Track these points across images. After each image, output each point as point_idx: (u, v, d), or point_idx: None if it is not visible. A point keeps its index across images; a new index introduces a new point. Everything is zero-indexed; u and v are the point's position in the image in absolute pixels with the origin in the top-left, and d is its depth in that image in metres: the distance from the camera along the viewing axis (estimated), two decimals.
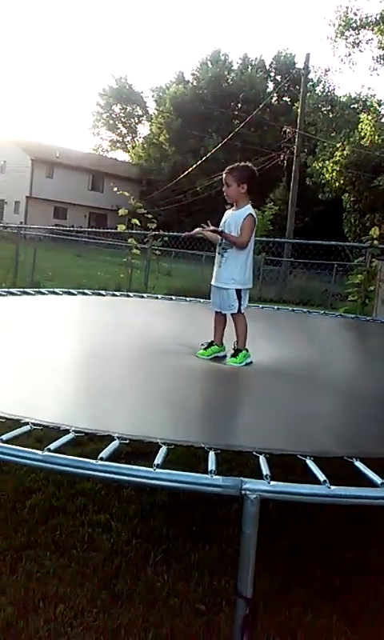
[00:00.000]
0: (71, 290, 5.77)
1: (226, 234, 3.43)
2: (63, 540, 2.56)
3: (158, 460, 1.58)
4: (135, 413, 2.15)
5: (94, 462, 1.54)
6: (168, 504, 2.98)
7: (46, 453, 1.58)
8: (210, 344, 3.52)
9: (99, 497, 2.99)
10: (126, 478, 1.54)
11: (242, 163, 3.56)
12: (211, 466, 1.59)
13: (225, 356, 3.49)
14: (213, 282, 3.58)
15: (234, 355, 3.41)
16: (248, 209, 3.47)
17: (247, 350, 3.43)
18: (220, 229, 3.52)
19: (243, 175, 3.47)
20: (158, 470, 1.53)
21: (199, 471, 1.59)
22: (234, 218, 3.47)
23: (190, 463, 2.69)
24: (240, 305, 3.48)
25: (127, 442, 1.72)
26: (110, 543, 2.57)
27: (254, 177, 3.52)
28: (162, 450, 1.66)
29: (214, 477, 1.54)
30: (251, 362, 3.38)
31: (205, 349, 3.50)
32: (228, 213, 3.57)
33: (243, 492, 1.50)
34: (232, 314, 3.51)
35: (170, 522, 2.80)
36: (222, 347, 3.55)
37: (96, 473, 1.54)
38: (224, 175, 3.51)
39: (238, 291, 3.47)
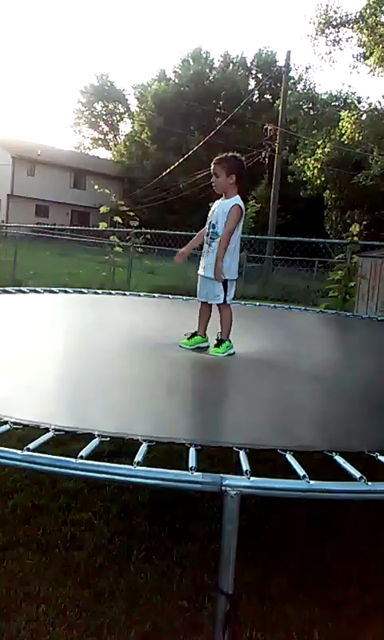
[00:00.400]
0: (53, 288, 5.74)
1: (218, 266, 3.41)
2: (45, 539, 2.56)
3: (139, 457, 1.58)
4: (116, 410, 2.15)
5: (73, 460, 1.53)
6: (150, 501, 2.98)
7: (26, 452, 1.57)
8: (194, 334, 3.53)
9: (82, 495, 2.99)
10: (106, 476, 1.54)
11: (231, 154, 3.55)
12: (192, 462, 1.59)
13: (208, 347, 3.50)
14: (199, 272, 3.57)
15: (217, 345, 3.41)
16: (236, 199, 3.46)
17: (230, 341, 3.44)
18: (208, 220, 3.53)
19: (232, 166, 3.46)
20: (138, 468, 1.53)
21: (183, 468, 1.59)
22: (221, 208, 3.47)
23: (177, 460, 2.71)
24: (226, 295, 3.48)
25: (108, 439, 1.72)
26: (92, 542, 2.57)
27: (243, 167, 3.52)
28: (143, 448, 1.66)
29: (194, 473, 1.54)
30: (234, 353, 3.39)
31: (188, 338, 3.51)
32: (217, 202, 3.57)
33: (223, 488, 1.50)
34: (218, 305, 3.52)
35: (153, 519, 2.81)
36: (205, 338, 3.55)
37: (76, 471, 1.53)
38: (212, 166, 3.49)
39: (224, 281, 3.47)
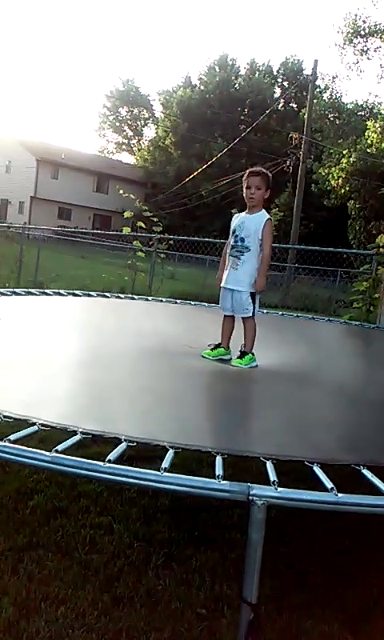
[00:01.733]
0: (76, 292, 5.78)
1: (260, 283, 3.46)
2: (65, 541, 2.56)
3: (166, 464, 1.58)
4: (142, 415, 2.15)
5: (101, 464, 1.54)
6: (170, 507, 2.98)
7: (54, 454, 1.58)
8: (218, 346, 3.53)
9: (101, 499, 2.99)
10: (133, 480, 1.54)
11: (263, 169, 3.58)
12: (218, 470, 1.59)
13: (230, 359, 3.50)
14: (224, 285, 3.55)
15: (241, 357, 3.41)
16: (265, 214, 3.49)
17: (253, 354, 3.43)
18: (235, 233, 3.52)
19: (269, 181, 3.51)
20: (165, 474, 1.53)
21: (201, 475, 1.59)
22: (254, 223, 3.48)
23: (191, 467, 2.71)
24: (254, 309, 3.49)
25: (134, 444, 1.72)
26: (111, 546, 2.57)
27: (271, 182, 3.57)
28: (170, 454, 1.66)
29: (222, 482, 1.53)
30: (256, 366, 3.38)
31: (211, 349, 3.51)
32: (242, 215, 3.57)
33: (250, 498, 1.50)
34: (243, 318, 3.52)
35: (172, 525, 2.80)
36: (228, 351, 3.55)
37: (104, 475, 1.53)
38: (251, 178, 3.48)
39: (253, 294, 3.47)
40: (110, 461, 1.55)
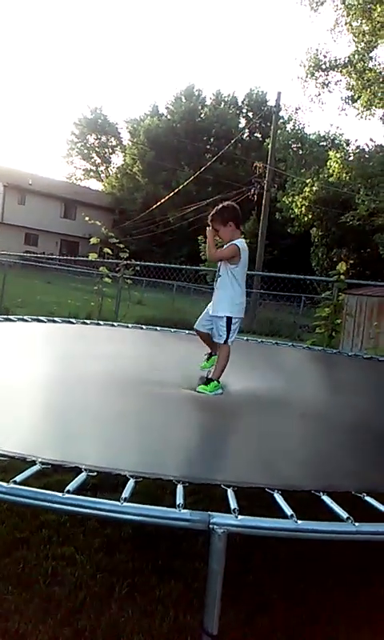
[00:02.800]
0: (41, 318, 5.74)
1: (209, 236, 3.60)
2: (26, 574, 2.50)
3: (126, 493, 1.57)
4: (103, 443, 2.14)
5: (60, 494, 1.53)
6: (133, 536, 2.94)
7: (11, 485, 1.57)
8: (211, 355, 3.67)
9: (64, 529, 2.94)
10: (93, 511, 1.53)
11: (221, 205, 3.69)
12: (179, 499, 1.59)
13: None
14: (209, 310, 3.67)
15: (206, 383, 3.42)
16: (233, 241, 3.57)
17: (219, 382, 3.45)
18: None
19: (226, 216, 3.59)
20: (125, 504, 1.53)
21: (164, 504, 1.59)
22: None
23: (156, 494, 2.69)
24: (228, 336, 3.54)
25: (95, 474, 1.71)
26: (74, 577, 2.52)
27: (236, 211, 3.66)
28: (130, 484, 1.65)
29: (182, 511, 1.53)
30: (221, 394, 3.40)
31: (207, 360, 3.68)
32: None
33: (211, 526, 1.50)
34: (217, 342, 3.59)
35: (136, 555, 2.77)
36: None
37: (62, 506, 1.52)
38: (210, 223, 3.62)
39: (229, 319, 3.53)
40: (69, 491, 1.54)
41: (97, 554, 2.74)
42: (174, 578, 2.58)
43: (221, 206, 3.66)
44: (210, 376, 3.48)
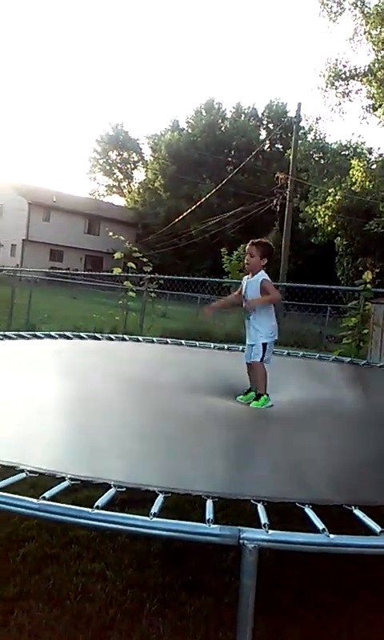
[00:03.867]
0: (67, 333, 5.79)
1: (254, 301, 3.90)
2: (57, 590, 2.50)
3: (155, 509, 1.57)
4: (132, 459, 2.13)
5: (90, 510, 1.53)
6: (163, 552, 2.92)
7: (42, 501, 1.57)
8: (250, 390, 3.86)
9: (93, 545, 2.93)
10: (122, 527, 1.53)
11: (264, 239, 4.10)
12: (209, 514, 1.58)
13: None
14: (247, 341, 4.01)
15: (257, 399, 3.71)
16: (262, 274, 3.93)
17: (267, 395, 3.73)
18: (243, 297, 3.98)
19: (266, 251, 3.97)
20: (154, 519, 1.52)
21: (194, 518, 1.58)
22: (254, 285, 3.93)
23: (185, 509, 2.67)
24: (263, 355, 3.87)
25: (124, 489, 1.71)
26: (104, 593, 2.51)
27: (271, 250, 4.04)
28: (159, 499, 1.65)
29: (212, 526, 1.52)
30: (272, 406, 3.65)
31: (245, 394, 3.84)
32: (246, 278, 4.03)
33: (241, 541, 1.49)
34: (253, 362, 3.88)
35: (166, 570, 2.75)
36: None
37: (92, 522, 1.52)
38: (248, 247, 3.99)
39: (264, 344, 3.88)
40: (98, 507, 1.54)
41: (127, 569, 2.73)
42: (205, 594, 2.55)
43: (264, 240, 4.06)
44: (258, 392, 3.76)
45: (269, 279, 3.95)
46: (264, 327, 3.91)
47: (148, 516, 1.53)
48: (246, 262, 3.99)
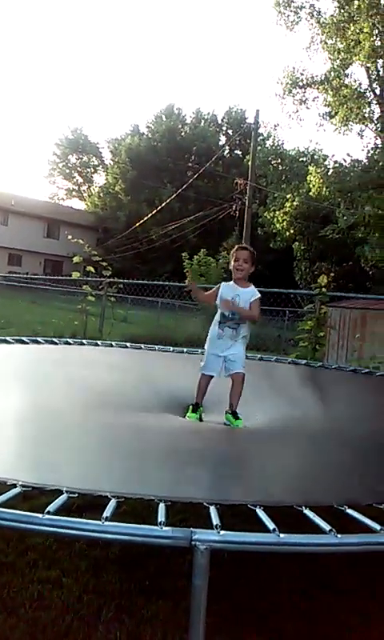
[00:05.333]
0: (23, 338, 5.71)
1: (241, 310, 3.72)
2: (12, 598, 2.47)
3: (107, 513, 1.57)
4: (85, 465, 2.13)
5: (40, 516, 1.52)
6: (121, 557, 2.91)
7: None
8: (196, 405, 3.65)
9: (50, 552, 2.91)
10: (74, 532, 1.53)
11: (252, 249, 3.98)
12: (161, 517, 1.59)
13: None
14: (219, 352, 3.74)
15: (236, 417, 3.50)
16: (255, 290, 3.83)
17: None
18: (230, 300, 3.76)
19: (255, 259, 3.89)
20: (107, 523, 1.52)
21: (152, 522, 1.59)
22: (244, 296, 3.78)
23: (143, 514, 2.67)
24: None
25: (76, 495, 1.70)
26: (60, 600, 2.49)
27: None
28: (112, 503, 1.65)
29: (164, 528, 1.53)
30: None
31: (193, 411, 3.62)
32: (232, 285, 3.86)
33: (193, 543, 1.50)
34: (239, 375, 3.67)
35: (124, 575, 2.74)
36: (202, 407, 3.69)
37: (43, 527, 1.51)
38: (240, 252, 3.87)
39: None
40: (49, 512, 1.53)
41: (84, 576, 2.72)
42: (162, 598, 2.56)
43: (252, 250, 3.96)
44: (234, 409, 3.56)
45: (260, 298, 3.86)
46: (246, 338, 3.80)
47: (100, 520, 1.53)
48: (238, 267, 3.82)
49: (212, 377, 3.76)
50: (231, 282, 3.87)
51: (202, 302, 4.02)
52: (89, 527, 1.51)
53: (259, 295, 3.81)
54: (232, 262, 3.85)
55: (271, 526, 1.61)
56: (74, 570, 2.75)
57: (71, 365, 4.89)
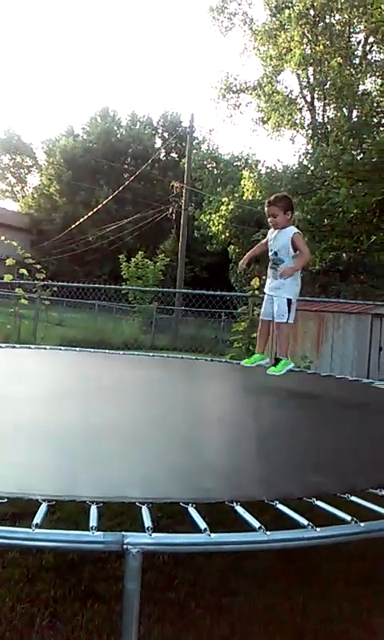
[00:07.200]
0: None
1: (287, 270, 3.79)
2: None
3: (38, 519, 1.53)
4: (13, 469, 2.06)
5: None
6: (55, 564, 2.87)
7: None
8: (253, 353, 3.87)
9: None
10: (1, 540, 1.48)
11: (281, 193, 4.02)
12: (93, 521, 1.56)
13: (267, 364, 3.84)
14: (267, 291, 3.97)
15: (275, 364, 3.70)
16: (293, 228, 3.84)
17: (287, 358, 3.75)
18: (270, 247, 3.93)
19: (289, 204, 3.88)
20: (37, 530, 1.49)
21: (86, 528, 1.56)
22: (283, 237, 3.84)
23: (78, 520, 2.63)
24: (289, 315, 3.82)
25: (5, 500, 1.66)
26: None
27: (292, 202, 3.97)
28: (42, 508, 1.61)
29: (96, 533, 1.51)
30: (292, 369, 3.72)
31: (248, 357, 3.82)
32: (273, 232, 3.94)
33: (125, 546, 1.49)
34: (278, 323, 3.82)
35: (58, 582, 2.70)
36: (264, 356, 3.89)
37: None
38: (268, 208, 3.86)
39: (289, 301, 3.81)
40: None
41: (16, 585, 2.66)
42: (98, 602, 2.54)
43: (282, 195, 3.96)
44: (277, 355, 3.73)
45: (300, 232, 3.83)
46: (290, 282, 3.82)
47: (30, 528, 1.50)
48: (272, 223, 3.87)
49: (269, 322, 3.92)
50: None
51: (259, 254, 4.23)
52: (17, 535, 1.48)
53: (295, 230, 3.83)
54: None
55: (202, 525, 1.61)
56: (7, 580, 2.69)
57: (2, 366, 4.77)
